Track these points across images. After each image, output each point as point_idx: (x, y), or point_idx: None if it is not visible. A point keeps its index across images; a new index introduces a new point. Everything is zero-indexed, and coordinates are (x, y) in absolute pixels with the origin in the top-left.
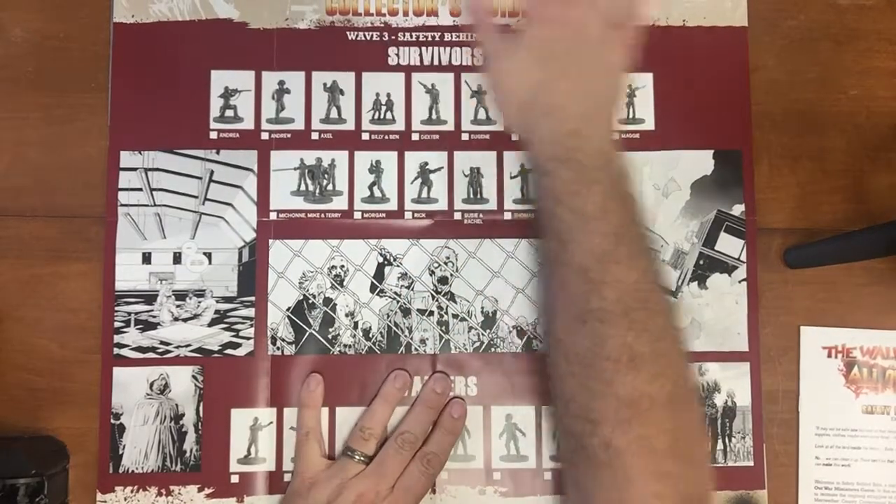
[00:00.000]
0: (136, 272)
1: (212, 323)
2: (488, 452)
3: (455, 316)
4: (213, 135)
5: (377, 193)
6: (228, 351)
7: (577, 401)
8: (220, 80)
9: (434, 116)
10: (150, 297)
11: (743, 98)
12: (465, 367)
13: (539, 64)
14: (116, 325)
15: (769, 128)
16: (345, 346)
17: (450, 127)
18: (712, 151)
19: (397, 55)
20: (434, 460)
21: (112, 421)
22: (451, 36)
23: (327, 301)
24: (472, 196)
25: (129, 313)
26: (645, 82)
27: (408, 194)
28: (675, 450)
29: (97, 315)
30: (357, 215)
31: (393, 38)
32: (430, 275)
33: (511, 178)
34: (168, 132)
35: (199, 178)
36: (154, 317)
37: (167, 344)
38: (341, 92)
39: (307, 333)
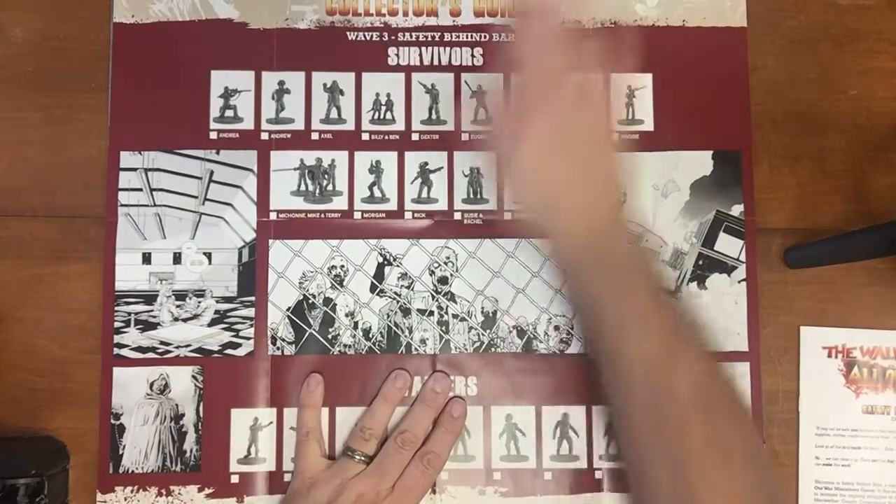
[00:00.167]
0: (136, 272)
1: (212, 323)
2: (488, 452)
3: (455, 316)
4: (213, 135)
5: (377, 193)
6: (228, 351)
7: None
8: (220, 80)
9: (434, 116)
10: (150, 298)
11: (742, 98)
12: (465, 367)
13: (548, 146)
14: (116, 325)
15: (769, 128)
16: (345, 346)
17: (450, 127)
18: (711, 152)
19: (397, 55)
20: (434, 460)
21: (112, 421)
22: (451, 36)
23: (327, 301)
24: (472, 196)
25: (129, 313)
26: (644, 82)
27: (408, 194)
28: None
29: (97, 315)
30: (357, 215)
31: (393, 38)
32: (430, 275)
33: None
34: (168, 132)
35: (199, 179)
36: (154, 317)
37: (167, 344)
38: (341, 92)
39: (307, 333)
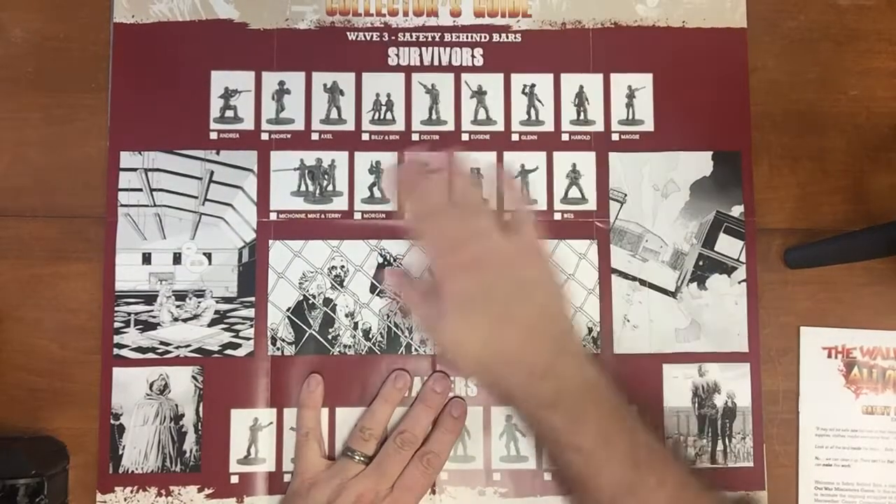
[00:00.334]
0: (136, 272)
1: (212, 323)
2: (488, 453)
3: None
4: (213, 135)
5: (377, 194)
6: (228, 351)
7: None
8: (220, 80)
9: (434, 117)
10: (150, 298)
11: (742, 99)
12: None
13: (473, 317)
14: (116, 325)
15: (769, 128)
16: (345, 346)
17: (450, 127)
18: (711, 152)
19: (397, 55)
20: (434, 460)
21: (112, 421)
22: (451, 36)
23: (327, 301)
24: None
25: (129, 313)
26: (644, 83)
27: None
28: None
29: (97, 315)
30: (357, 216)
31: (393, 38)
32: (430, 275)
33: (511, 178)
34: (168, 132)
35: (199, 179)
36: (154, 317)
37: (167, 344)
38: (341, 92)
39: (307, 334)
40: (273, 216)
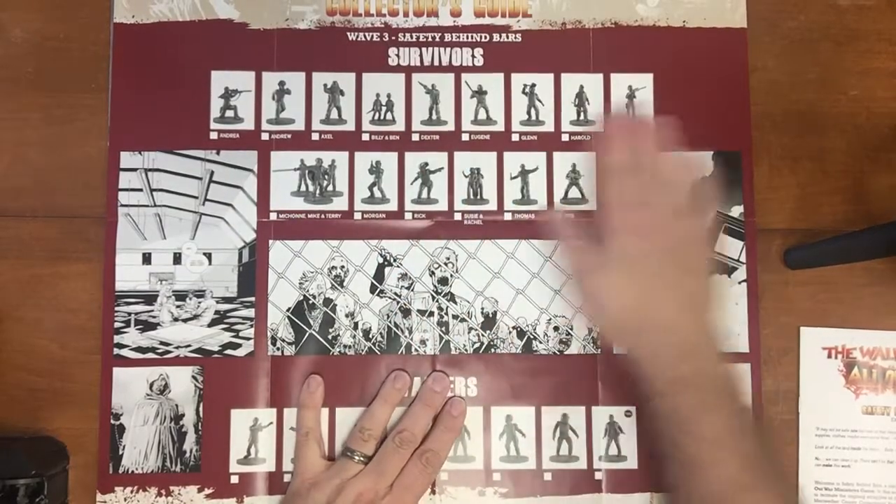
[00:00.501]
0: (136, 272)
1: (212, 323)
2: (488, 453)
3: (455, 317)
4: (214, 135)
5: (377, 194)
6: (228, 351)
7: None
8: (221, 80)
9: (434, 117)
10: (150, 298)
11: (742, 99)
12: (464, 367)
13: (637, 276)
14: (116, 325)
15: (769, 128)
16: (345, 346)
17: (450, 127)
18: (711, 153)
19: (397, 55)
20: (433, 458)
21: (112, 421)
22: (452, 36)
23: (327, 301)
24: (472, 196)
25: (129, 313)
26: (645, 83)
27: (408, 195)
28: None
29: (97, 315)
30: (357, 216)
31: (393, 38)
32: (430, 275)
33: (511, 178)
34: (168, 132)
35: (199, 179)
36: (154, 317)
37: (167, 344)
38: (341, 92)
39: (307, 334)
40: (273, 216)
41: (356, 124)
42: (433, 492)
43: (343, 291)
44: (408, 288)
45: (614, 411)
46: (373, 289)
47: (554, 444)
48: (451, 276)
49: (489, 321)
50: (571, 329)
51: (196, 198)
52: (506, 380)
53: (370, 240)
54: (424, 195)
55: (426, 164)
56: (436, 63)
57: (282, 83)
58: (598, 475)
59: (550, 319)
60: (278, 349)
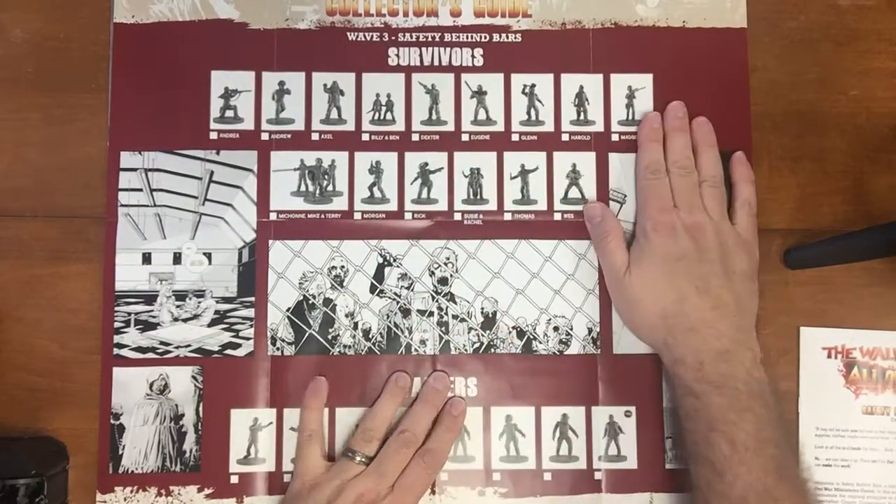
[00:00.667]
0: (136, 272)
1: (212, 323)
2: (488, 453)
3: (455, 317)
4: (213, 135)
5: (377, 194)
6: (228, 351)
7: None
8: (221, 80)
9: (434, 117)
10: (150, 298)
11: (742, 99)
12: (464, 367)
13: (675, 275)
14: (116, 325)
15: (769, 128)
16: (345, 346)
17: (450, 127)
18: None
19: (397, 55)
20: (434, 459)
21: (112, 421)
22: (451, 36)
23: (327, 301)
24: (472, 196)
25: (129, 313)
26: (645, 83)
27: (408, 195)
28: None
29: (97, 315)
30: (357, 216)
31: (393, 38)
32: (430, 275)
33: (511, 178)
34: (168, 132)
35: (199, 179)
36: (154, 317)
37: (167, 344)
38: (341, 92)
39: (307, 334)
40: (273, 216)
41: (356, 124)
42: (433, 492)
43: (343, 291)
44: (408, 288)
45: (614, 411)
46: (373, 289)
47: (554, 444)
48: (451, 276)
49: (489, 321)
50: (571, 329)
51: (196, 198)
52: (506, 380)
53: (370, 240)
54: (424, 195)
55: (426, 164)
56: (436, 63)
57: (282, 83)
58: (597, 475)
59: (550, 319)
60: (278, 349)
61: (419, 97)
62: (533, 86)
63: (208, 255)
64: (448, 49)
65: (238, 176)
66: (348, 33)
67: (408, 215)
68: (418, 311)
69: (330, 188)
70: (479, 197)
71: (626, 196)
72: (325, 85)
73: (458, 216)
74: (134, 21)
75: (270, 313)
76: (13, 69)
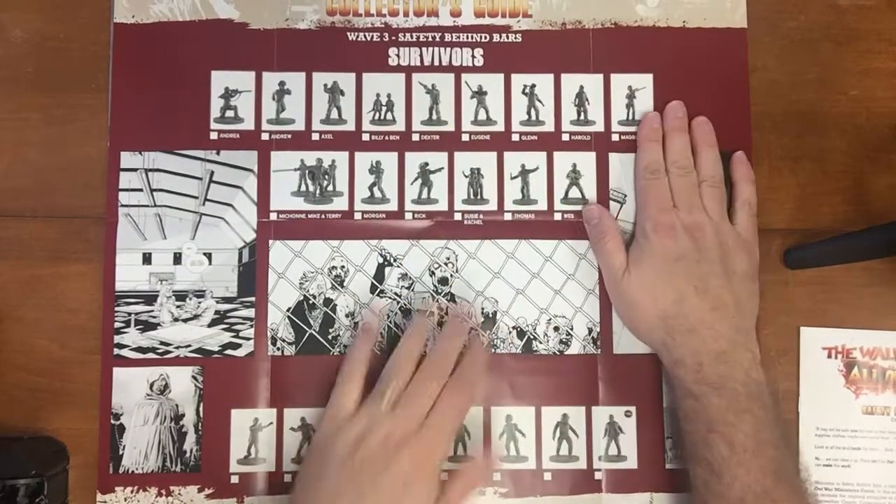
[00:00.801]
0: (136, 272)
1: (212, 323)
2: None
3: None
4: (214, 135)
5: (377, 194)
6: (228, 351)
7: None
8: (221, 80)
9: (434, 117)
10: (150, 298)
11: (742, 99)
12: None
13: (674, 275)
14: (116, 325)
15: (769, 128)
16: (345, 346)
17: (450, 127)
18: None
19: (397, 55)
20: (462, 390)
21: (112, 421)
22: (452, 36)
23: (327, 301)
24: (472, 197)
25: (129, 314)
26: (645, 83)
27: (408, 195)
28: None
29: (97, 315)
30: (357, 216)
31: (393, 38)
32: (431, 275)
33: (511, 178)
34: (168, 133)
35: (200, 179)
36: (154, 317)
37: (167, 344)
38: (342, 92)
39: (307, 334)
40: (273, 216)
41: (356, 124)
42: None
43: (343, 291)
44: (408, 288)
45: (614, 411)
46: (373, 289)
47: (554, 444)
48: (451, 276)
49: (489, 321)
50: (571, 329)
51: (196, 198)
52: (506, 380)
53: (370, 240)
54: (424, 195)
55: (426, 164)
56: (436, 63)
57: (282, 83)
58: (597, 475)
59: (550, 319)
60: (278, 349)
61: (419, 97)
62: (533, 86)
63: (208, 256)
64: (448, 49)
65: (238, 176)
66: (348, 33)
67: (408, 215)
68: (418, 311)
69: (330, 188)
70: (479, 197)
71: (626, 196)
72: (325, 85)
73: (458, 216)
74: (134, 21)
75: (271, 313)
76: (13, 69)
